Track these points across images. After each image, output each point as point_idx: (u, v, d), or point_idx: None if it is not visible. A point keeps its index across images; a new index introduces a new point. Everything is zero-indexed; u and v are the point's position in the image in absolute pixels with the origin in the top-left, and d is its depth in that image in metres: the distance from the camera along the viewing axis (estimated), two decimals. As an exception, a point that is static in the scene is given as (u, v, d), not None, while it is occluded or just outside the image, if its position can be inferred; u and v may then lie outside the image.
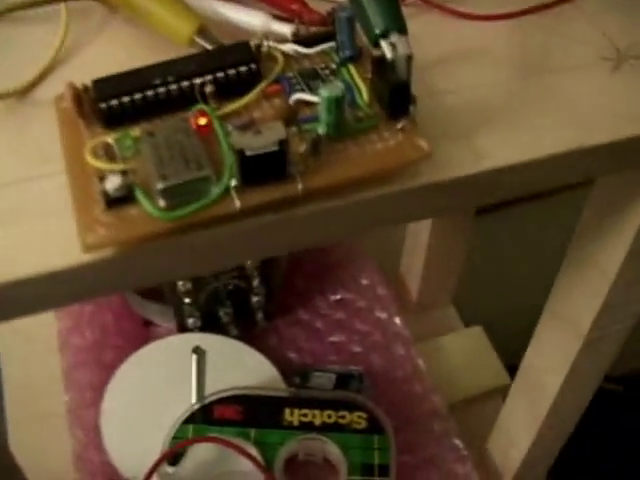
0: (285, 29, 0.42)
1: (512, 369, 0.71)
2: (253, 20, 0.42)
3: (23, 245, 0.36)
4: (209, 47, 0.41)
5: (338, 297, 0.77)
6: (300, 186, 0.36)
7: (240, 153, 0.35)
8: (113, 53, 0.44)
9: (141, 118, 0.39)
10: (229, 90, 0.39)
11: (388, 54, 0.37)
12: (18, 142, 0.40)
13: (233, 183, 0.36)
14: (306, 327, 0.74)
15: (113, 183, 0.36)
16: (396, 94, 0.37)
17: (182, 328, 0.74)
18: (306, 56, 0.41)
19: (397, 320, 0.74)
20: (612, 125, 0.41)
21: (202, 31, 0.41)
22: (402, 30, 0.37)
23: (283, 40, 0.42)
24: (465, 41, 0.46)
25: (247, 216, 0.36)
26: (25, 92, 0.43)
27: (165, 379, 0.69)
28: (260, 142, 0.35)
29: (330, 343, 0.74)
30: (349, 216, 0.38)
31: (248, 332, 0.74)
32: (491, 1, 0.48)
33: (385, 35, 0.37)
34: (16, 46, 0.44)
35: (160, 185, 0.35)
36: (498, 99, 0.42)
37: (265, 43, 0.41)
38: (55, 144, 0.39)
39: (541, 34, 0.46)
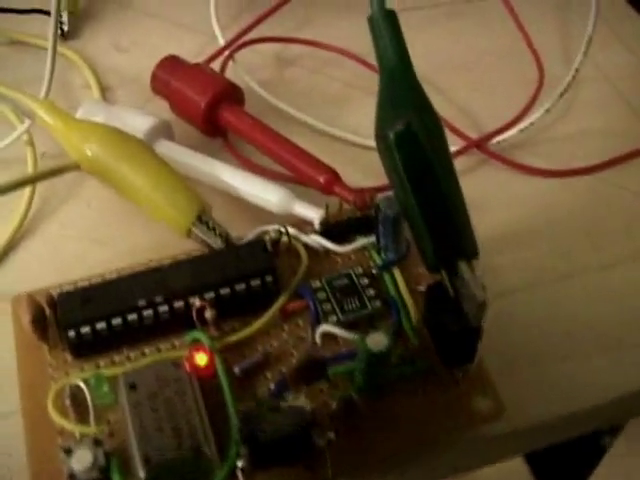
0: (312, 214, 0.32)
1: None
2: (270, 197, 0.33)
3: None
4: (210, 242, 0.31)
5: None
6: (330, 470, 0.27)
7: (249, 436, 0.26)
8: (89, 226, 0.35)
9: (122, 345, 0.30)
10: (237, 308, 0.30)
11: (451, 291, 0.27)
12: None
13: (241, 464, 0.27)
14: None
15: (82, 461, 0.27)
16: (458, 340, 0.28)
17: None
18: (337, 253, 0.32)
19: None
20: None
21: (201, 218, 0.32)
22: (473, 256, 0.28)
23: (307, 226, 0.32)
24: (533, 205, 0.36)
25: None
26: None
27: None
28: (278, 425, 0.26)
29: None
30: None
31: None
32: (565, 152, 0.38)
33: (448, 262, 0.28)
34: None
35: (141, 473, 0.26)
36: (577, 299, 0.33)
37: (284, 232, 0.31)
38: (5, 363, 0.30)
39: (625, 194, 0.37)
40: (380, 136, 0.29)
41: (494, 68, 0.42)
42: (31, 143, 0.36)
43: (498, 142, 0.38)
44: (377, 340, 0.27)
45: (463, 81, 0.42)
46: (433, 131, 0.28)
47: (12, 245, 0.34)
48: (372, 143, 0.29)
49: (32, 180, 0.34)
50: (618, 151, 0.38)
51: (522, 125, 0.38)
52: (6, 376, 0.30)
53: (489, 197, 0.37)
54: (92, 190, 0.35)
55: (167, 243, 0.32)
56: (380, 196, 0.30)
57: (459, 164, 0.37)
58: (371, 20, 0.30)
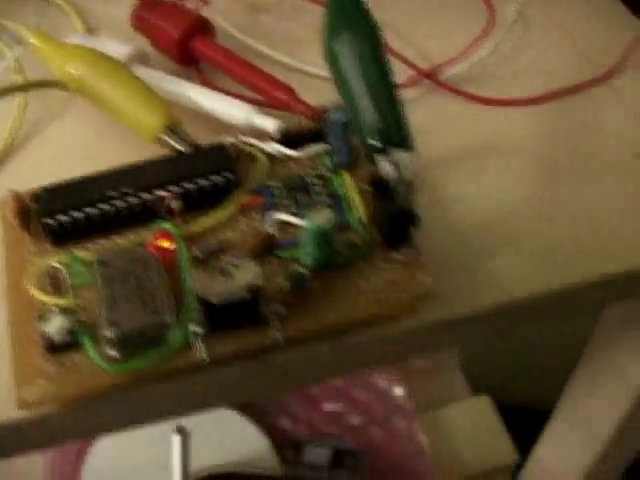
0: (270, 124, 0.36)
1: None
2: (234, 112, 0.36)
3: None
4: (178, 147, 0.35)
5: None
6: (279, 334, 0.30)
7: (204, 301, 0.29)
8: (72, 142, 0.38)
9: (96, 235, 0.33)
10: (200, 202, 0.33)
11: (384, 175, 0.31)
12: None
13: (197, 330, 0.30)
14: (301, 394, 0.69)
15: (55, 325, 0.30)
16: (395, 222, 0.31)
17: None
18: (292, 159, 0.35)
19: (398, 391, 0.68)
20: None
21: (172, 127, 0.35)
22: (406, 145, 0.31)
23: (268, 137, 0.36)
24: (481, 133, 0.40)
25: (216, 366, 0.30)
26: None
27: (142, 462, 0.64)
28: (228, 288, 0.29)
29: (326, 413, 0.68)
30: (337, 359, 0.33)
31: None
32: (512, 84, 0.42)
33: (384, 150, 0.31)
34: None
35: (109, 333, 0.29)
36: (516, 211, 0.36)
37: (245, 141, 0.35)
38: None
39: (570, 123, 0.40)
40: (328, 46, 0.32)
41: (449, 9, 0.46)
42: (21, 71, 0.40)
43: (449, 75, 0.41)
44: (322, 216, 0.30)
45: (421, 21, 0.45)
46: (372, 40, 0.32)
47: (1, 159, 0.38)
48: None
49: (22, 88, 0.37)
50: (565, 86, 0.42)
51: (472, 59, 0.41)
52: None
53: (437, 123, 0.40)
54: (80, 110, 0.39)
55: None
56: (330, 105, 0.34)
57: (411, 93, 0.41)
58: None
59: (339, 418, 0.68)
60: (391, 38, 0.41)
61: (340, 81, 0.32)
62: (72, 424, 0.31)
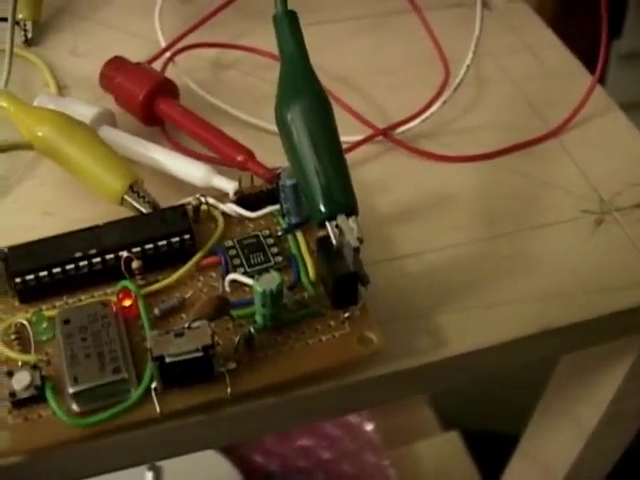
0: (227, 185, 0.38)
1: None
2: (193, 172, 0.38)
3: None
4: (140, 207, 0.37)
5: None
6: (229, 390, 0.32)
7: (159, 359, 0.31)
8: (42, 200, 0.40)
9: (62, 293, 0.35)
10: (160, 262, 0.35)
11: (333, 239, 0.33)
12: None
13: (154, 385, 0.32)
14: (273, 429, 0.70)
15: (21, 381, 0.32)
16: (341, 284, 0.33)
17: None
18: (249, 219, 0.37)
19: (368, 426, 0.70)
20: (587, 301, 0.37)
21: (134, 187, 0.37)
22: (351, 212, 0.33)
23: (225, 198, 0.38)
24: (434, 189, 0.42)
25: (169, 419, 0.32)
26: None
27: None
28: (182, 347, 0.31)
29: (298, 447, 0.70)
30: (285, 412, 0.35)
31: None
32: (465, 138, 0.44)
33: (330, 217, 0.33)
34: None
35: (71, 389, 0.31)
36: (464, 266, 0.38)
37: (203, 201, 0.37)
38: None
39: (521, 179, 0.42)
40: (279, 116, 0.34)
41: (409, 71, 0.48)
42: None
43: (403, 132, 0.43)
44: (269, 279, 0.32)
45: (381, 82, 0.47)
46: (320, 109, 0.34)
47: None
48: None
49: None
50: (515, 142, 0.44)
51: (424, 116, 0.43)
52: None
53: (392, 179, 0.42)
54: (45, 170, 0.41)
55: (110, 215, 0.37)
56: (282, 168, 0.36)
57: (367, 151, 0.43)
58: (275, 18, 0.36)
59: (311, 452, 0.70)
60: (349, 94, 0.44)
61: (289, 147, 0.34)
62: (41, 472, 0.33)
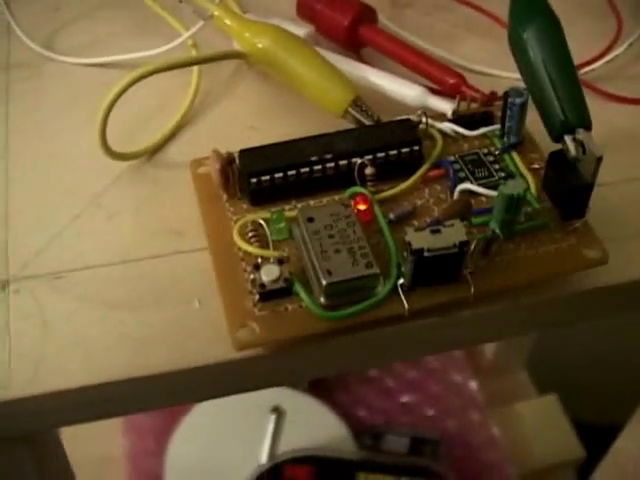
0: (444, 106, 0.39)
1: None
2: (409, 92, 0.39)
3: (160, 334, 0.33)
4: (364, 121, 0.38)
5: (410, 354, 0.74)
6: (472, 290, 0.33)
7: (418, 253, 0.32)
8: (246, 113, 0.41)
9: (291, 197, 0.36)
10: (388, 172, 0.36)
11: (573, 152, 0.34)
12: (148, 209, 0.37)
13: (401, 282, 0.33)
14: (376, 385, 0.71)
15: (270, 274, 0.33)
16: (576, 195, 0.34)
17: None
18: (464, 137, 0.38)
19: (472, 384, 0.71)
20: None
21: (356, 103, 0.38)
22: (589, 127, 0.34)
23: (440, 118, 0.39)
24: (615, 127, 0.42)
25: (412, 318, 0.33)
26: (154, 153, 0.40)
27: (234, 433, 0.66)
28: (439, 243, 0.32)
29: (402, 403, 0.71)
30: (514, 319, 0.36)
31: (317, 386, 0.70)
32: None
33: (571, 130, 0.34)
34: (140, 102, 0.41)
35: (325, 281, 0.32)
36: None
37: (424, 120, 0.38)
38: (190, 214, 0.36)
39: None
40: (514, 35, 0.35)
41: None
42: (195, 45, 0.43)
43: (586, 72, 0.45)
44: (515, 184, 0.33)
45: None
46: (554, 28, 0.35)
47: (182, 124, 0.41)
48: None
49: (200, 61, 0.40)
50: None
51: (607, 58, 0.44)
52: (193, 226, 0.36)
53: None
54: (248, 84, 0.42)
55: (316, 131, 0.37)
56: (509, 86, 0.37)
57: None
58: None
59: (414, 409, 0.71)
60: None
61: (526, 63, 0.35)
62: (282, 367, 0.34)
